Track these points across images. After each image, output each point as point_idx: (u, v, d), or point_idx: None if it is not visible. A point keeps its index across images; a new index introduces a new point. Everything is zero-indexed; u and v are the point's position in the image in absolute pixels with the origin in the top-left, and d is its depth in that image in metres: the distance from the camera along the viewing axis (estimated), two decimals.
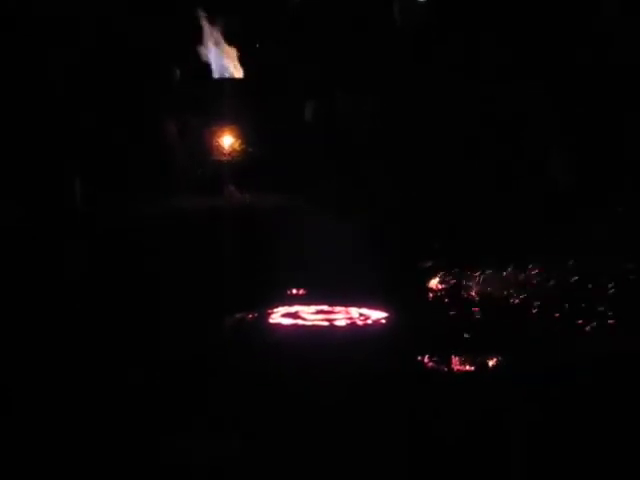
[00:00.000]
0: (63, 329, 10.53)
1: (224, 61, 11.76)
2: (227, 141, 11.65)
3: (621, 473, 8.79)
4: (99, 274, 11.03)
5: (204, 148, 11.64)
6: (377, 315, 11.60)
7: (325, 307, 11.69)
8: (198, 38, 11.66)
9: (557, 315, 11.07)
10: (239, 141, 11.74)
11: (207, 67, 11.74)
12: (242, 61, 11.82)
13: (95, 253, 11.13)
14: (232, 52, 11.77)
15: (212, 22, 11.62)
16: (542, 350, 10.74)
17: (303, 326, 11.44)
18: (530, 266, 11.30)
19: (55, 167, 11.07)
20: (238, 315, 11.41)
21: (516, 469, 9.08)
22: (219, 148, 11.70)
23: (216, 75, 11.82)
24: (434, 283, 11.67)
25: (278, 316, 11.61)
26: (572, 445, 9.21)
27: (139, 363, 10.25)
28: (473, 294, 11.59)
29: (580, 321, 10.89)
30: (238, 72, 11.81)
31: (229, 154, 11.73)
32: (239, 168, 11.75)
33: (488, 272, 11.43)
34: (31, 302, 10.63)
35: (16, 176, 10.94)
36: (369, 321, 11.54)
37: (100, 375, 10.13)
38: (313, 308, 11.69)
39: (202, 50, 11.59)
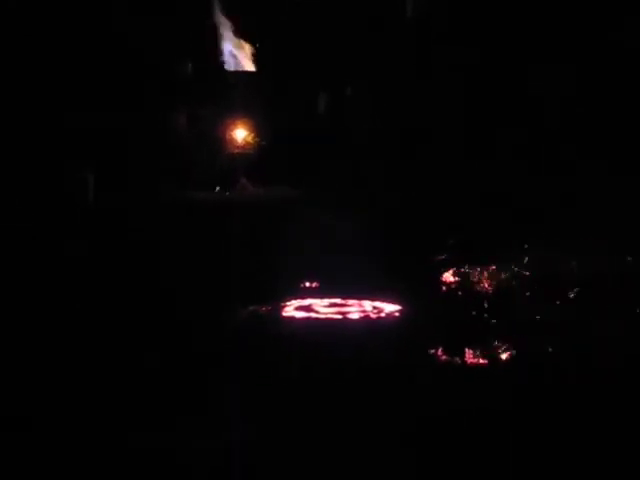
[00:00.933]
0: (82, 320, 10.62)
1: (237, 54, 11.78)
2: (240, 134, 11.68)
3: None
4: (114, 268, 11.08)
5: (217, 141, 11.66)
6: (390, 308, 11.63)
7: (338, 300, 11.72)
8: (212, 32, 11.66)
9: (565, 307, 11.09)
10: (252, 134, 11.77)
11: (220, 60, 11.75)
12: (255, 55, 11.84)
13: (109, 248, 11.17)
14: (245, 45, 11.79)
15: (226, 16, 11.62)
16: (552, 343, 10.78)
17: (316, 319, 11.48)
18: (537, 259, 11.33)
19: (67, 163, 11.09)
20: (251, 308, 11.44)
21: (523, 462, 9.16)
22: (232, 141, 11.73)
23: (229, 68, 11.85)
24: (447, 276, 11.69)
25: (292, 309, 11.64)
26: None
27: (152, 358, 10.33)
28: (486, 287, 11.60)
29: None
30: (250, 65, 11.84)
31: (242, 147, 11.76)
32: (251, 161, 11.77)
33: (500, 265, 11.45)
34: (50, 295, 10.70)
35: (27, 173, 10.97)
36: (382, 314, 11.56)
37: (116, 362, 10.23)
38: (326, 301, 11.71)
39: (215, 43, 11.61)
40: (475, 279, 11.58)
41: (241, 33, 11.71)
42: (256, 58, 11.84)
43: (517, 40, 11.23)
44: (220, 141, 11.55)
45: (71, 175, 11.08)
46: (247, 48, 11.85)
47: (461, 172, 11.50)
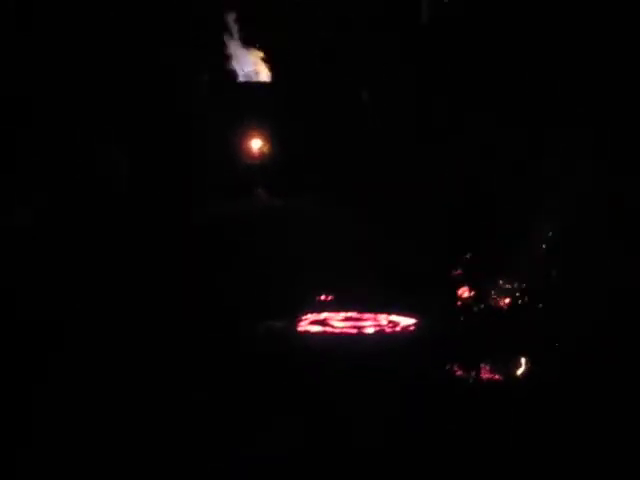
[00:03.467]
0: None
1: (250, 65, 11.85)
2: (255, 144, 11.75)
3: None
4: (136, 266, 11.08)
5: (234, 152, 11.72)
6: (406, 322, 11.61)
7: (353, 314, 11.71)
8: (223, 43, 11.73)
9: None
10: (267, 145, 11.84)
11: (233, 72, 11.83)
12: (270, 65, 11.91)
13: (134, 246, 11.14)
14: (259, 56, 11.86)
15: (238, 26, 11.71)
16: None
17: (332, 333, 11.47)
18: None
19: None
20: (268, 322, 11.45)
21: None
22: (249, 152, 11.80)
23: (242, 79, 11.92)
24: (463, 291, 11.67)
25: (307, 323, 11.64)
26: None
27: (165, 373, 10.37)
28: (501, 303, 11.59)
29: None
30: (265, 76, 11.93)
31: (258, 158, 11.83)
32: (267, 172, 11.81)
33: (514, 279, 11.44)
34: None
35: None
36: (398, 328, 11.55)
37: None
38: (341, 315, 11.71)
39: (228, 54, 11.69)
40: (491, 294, 11.57)
41: (254, 43, 11.77)
42: (270, 68, 11.90)
43: (533, 49, 11.22)
44: (237, 152, 11.59)
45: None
46: (261, 59, 11.91)
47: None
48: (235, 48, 11.72)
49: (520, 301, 11.50)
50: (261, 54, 11.78)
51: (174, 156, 11.16)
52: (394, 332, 11.50)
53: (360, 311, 11.70)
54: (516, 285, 11.52)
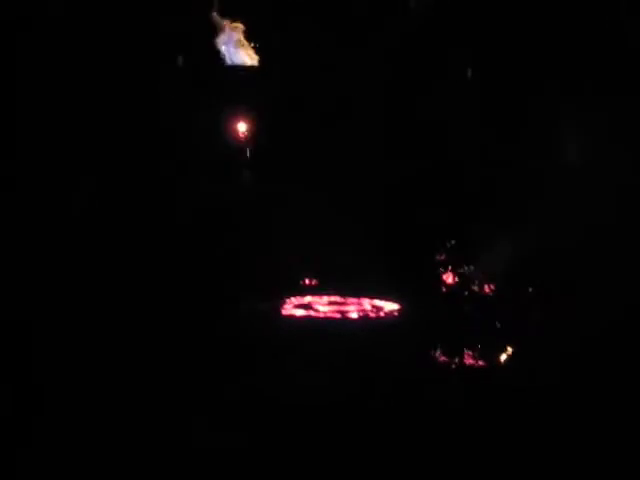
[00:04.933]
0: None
1: (238, 52, 11.81)
2: (243, 128, 11.74)
3: None
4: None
5: (220, 137, 11.69)
6: (389, 307, 11.63)
7: (338, 298, 11.72)
8: (211, 28, 11.68)
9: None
10: (253, 129, 11.82)
11: (219, 56, 11.78)
12: (257, 51, 11.87)
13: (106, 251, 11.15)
14: (245, 42, 11.81)
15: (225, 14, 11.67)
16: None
17: (316, 317, 11.49)
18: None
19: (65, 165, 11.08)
20: (252, 305, 11.45)
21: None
22: (236, 135, 11.79)
23: (229, 62, 11.87)
24: (447, 277, 11.68)
25: (291, 307, 11.65)
26: None
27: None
28: (486, 289, 11.61)
29: None
30: (252, 60, 11.89)
31: (245, 141, 11.82)
32: (255, 156, 11.79)
33: (499, 267, 11.45)
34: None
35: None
36: (381, 313, 11.57)
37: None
38: (325, 299, 11.72)
39: (215, 40, 11.64)
40: (475, 280, 11.58)
41: (242, 27, 11.74)
42: (258, 53, 11.86)
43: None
44: (219, 135, 11.57)
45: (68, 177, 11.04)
46: (248, 45, 11.87)
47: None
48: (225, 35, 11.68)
49: (505, 288, 11.50)
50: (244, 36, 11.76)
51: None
52: (378, 317, 11.52)
53: (344, 295, 11.71)
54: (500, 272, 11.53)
